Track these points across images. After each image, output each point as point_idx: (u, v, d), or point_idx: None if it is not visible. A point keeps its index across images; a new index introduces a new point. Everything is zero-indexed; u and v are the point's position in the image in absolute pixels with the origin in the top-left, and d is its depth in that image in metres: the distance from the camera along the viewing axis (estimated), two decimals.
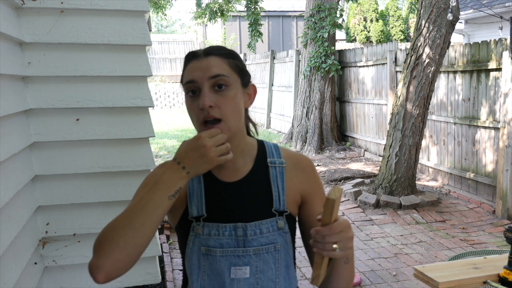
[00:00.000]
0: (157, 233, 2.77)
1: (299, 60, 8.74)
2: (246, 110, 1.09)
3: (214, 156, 0.92)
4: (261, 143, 1.12)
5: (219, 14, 10.01)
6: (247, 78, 1.07)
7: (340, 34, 16.96)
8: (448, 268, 1.99)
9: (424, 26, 4.63)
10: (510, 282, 1.81)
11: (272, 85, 10.30)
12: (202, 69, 0.98)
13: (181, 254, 1.08)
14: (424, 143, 5.70)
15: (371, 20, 17.22)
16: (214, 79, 0.97)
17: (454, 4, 4.48)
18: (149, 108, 2.34)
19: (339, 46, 14.48)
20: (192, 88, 0.99)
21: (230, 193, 1.05)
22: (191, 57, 1.02)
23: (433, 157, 5.73)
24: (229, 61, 1.02)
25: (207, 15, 10.01)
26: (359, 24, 17.26)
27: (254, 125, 1.16)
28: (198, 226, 1.02)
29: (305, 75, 7.83)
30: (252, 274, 1.00)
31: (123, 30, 2.20)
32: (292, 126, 8.30)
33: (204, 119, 0.97)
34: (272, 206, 1.04)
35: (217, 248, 1.01)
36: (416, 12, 6.42)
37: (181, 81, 1.04)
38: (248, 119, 1.13)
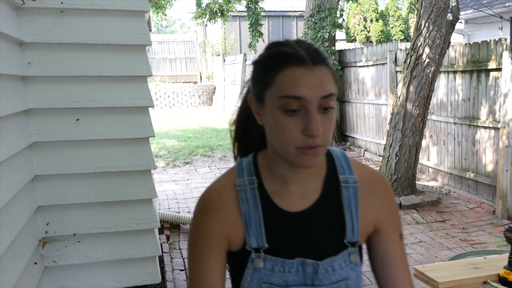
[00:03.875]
0: (157, 233, 2.76)
1: None
2: None
3: None
4: (328, 154, 0.93)
5: (219, 14, 10.01)
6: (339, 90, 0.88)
7: (340, 34, 16.95)
8: (448, 268, 1.99)
9: (424, 26, 4.63)
10: (510, 282, 1.81)
11: None
12: (314, 85, 0.77)
13: (232, 284, 0.95)
14: (424, 143, 5.69)
15: (371, 20, 17.22)
16: (325, 99, 0.78)
17: (454, 4, 4.48)
18: (149, 108, 2.35)
19: (339, 46, 14.48)
20: (293, 107, 0.78)
21: (296, 225, 0.88)
22: (293, 61, 0.79)
23: (433, 157, 5.73)
24: (332, 72, 0.82)
25: (207, 15, 10.00)
26: (359, 24, 17.26)
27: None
28: (259, 259, 0.87)
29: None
30: None
31: (123, 30, 2.20)
32: None
33: (307, 146, 0.79)
34: (345, 237, 0.88)
35: (281, 286, 0.86)
36: (416, 12, 6.42)
37: (263, 84, 0.82)
38: None
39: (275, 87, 0.79)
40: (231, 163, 7.08)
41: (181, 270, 3.26)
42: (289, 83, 0.78)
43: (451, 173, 5.38)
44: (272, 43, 0.85)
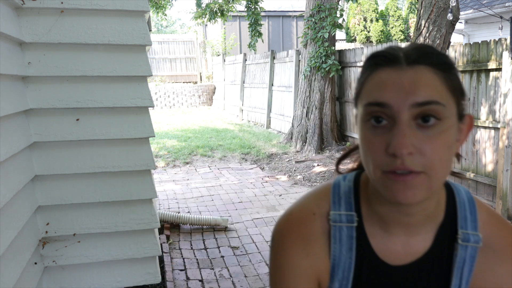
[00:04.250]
0: (157, 233, 2.77)
1: (299, 60, 8.74)
2: None
3: None
4: (451, 196, 0.74)
5: (219, 14, 10.01)
6: (464, 104, 0.67)
7: (340, 34, 16.96)
8: None
9: (424, 26, 4.63)
10: None
11: (272, 85, 10.30)
12: (404, 89, 0.61)
13: None
14: None
15: (371, 20, 17.22)
16: (421, 107, 0.60)
17: (454, 4, 4.48)
18: (149, 108, 2.34)
19: (339, 46, 14.49)
20: (378, 114, 0.62)
21: (391, 281, 0.72)
22: (382, 62, 0.64)
23: None
24: (446, 76, 0.63)
25: (207, 15, 10.01)
26: (359, 24, 17.26)
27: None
28: None
29: (305, 75, 7.82)
30: None
31: (123, 30, 2.20)
32: (292, 126, 8.30)
33: (392, 170, 0.60)
34: None
35: None
36: (416, 12, 6.42)
37: (357, 94, 0.68)
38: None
39: (363, 95, 0.65)
40: (231, 163, 7.05)
41: (181, 270, 3.26)
42: (373, 87, 0.63)
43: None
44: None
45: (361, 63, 7.24)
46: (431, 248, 0.71)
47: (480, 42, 4.80)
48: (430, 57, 0.63)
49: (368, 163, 0.64)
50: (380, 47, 6.87)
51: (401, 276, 0.71)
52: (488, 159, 4.79)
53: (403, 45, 0.68)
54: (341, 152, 7.32)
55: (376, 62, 0.65)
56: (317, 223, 0.73)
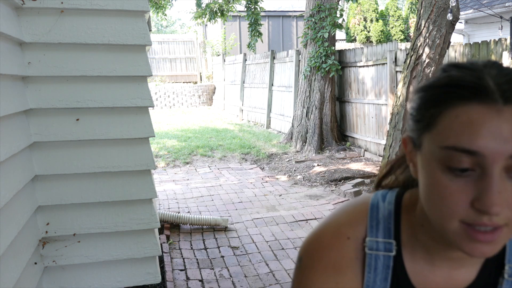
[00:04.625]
0: (157, 233, 2.77)
1: (299, 60, 8.74)
2: None
3: None
4: None
5: (219, 14, 10.02)
6: None
7: (340, 34, 16.96)
8: None
9: (424, 26, 4.63)
10: None
11: (272, 85, 10.30)
12: (503, 137, 0.50)
13: None
14: None
15: (371, 20, 17.23)
16: None
17: (454, 4, 4.48)
18: (149, 108, 2.35)
19: (339, 46, 14.49)
20: (464, 166, 0.52)
21: None
22: (470, 94, 0.52)
23: None
24: None
25: (207, 15, 10.02)
26: (359, 24, 17.27)
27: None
28: None
29: (305, 75, 7.82)
30: None
31: (123, 30, 2.20)
32: (292, 126, 8.30)
33: (476, 223, 0.52)
34: None
35: None
36: (416, 12, 6.43)
37: (424, 128, 0.57)
38: None
39: (438, 132, 0.54)
40: (231, 163, 7.05)
41: (181, 270, 3.26)
42: (460, 128, 0.52)
43: None
44: (450, 64, 0.57)
45: (361, 63, 7.27)
46: (474, 281, 0.65)
47: (480, 42, 4.79)
48: None
49: (440, 210, 0.55)
50: (380, 47, 6.85)
51: None
52: None
53: (491, 68, 0.54)
54: (341, 152, 7.33)
55: (459, 93, 0.53)
56: (351, 248, 0.66)
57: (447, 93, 0.54)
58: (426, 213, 0.59)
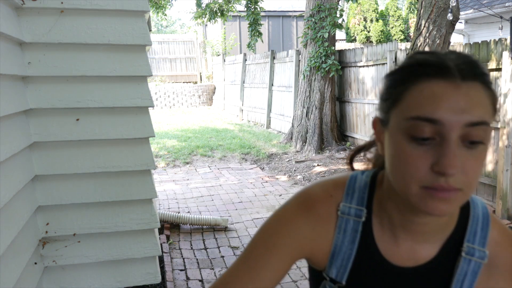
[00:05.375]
0: (157, 233, 2.77)
1: (299, 60, 8.74)
2: None
3: None
4: (465, 209, 0.73)
5: (219, 14, 10.01)
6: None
7: (340, 34, 16.96)
8: None
9: (424, 26, 4.63)
10: None
11: (272, 85, 10.30)
12: (460, 108, 0.58)
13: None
14: None
15: (371, 20, 17.22)
16: (472, 127, 0.59)
17: (454, 4, 4.48)
18: (149, 108, 2.35)
19: (339, 46, 14.49)
20: (425, 134, 0.60)
21: (387, 280, 0.73)
22: (434, 72, 0.60)
23: None
24: (493, 96, 0.62)
25: (207, 15, 10.02)
26: (359, 24, 17.26)
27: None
28: None
29: (305, 75, 7.82)
30: None
31: (123, 30, 2.20)
32: (292, 126, 8.30)
33: (434, 186, 0.60)
34: None
35: None
36: (416, 12, 6.42)
37: (391, 101, 0.65)
38: None
39: (404, 105, 0.62)
40: (231, 163, 7.06)
41: (181, 270, 3.26)
42: (423, 100, 0.59)
43: None
44: (415, 52, 0.66)
45: (362, 63, 7.26)
46: (435, 257, 0.72)
47: (480, 42, 4.79)
48: (482, 74, 0.61)
49: (403, 176, 0.62)
50: (380, 47, 6.86)
51: (400, 277, 0.72)
52: (488, 159, 4.79)
53: (450, 54, 0.63)
54: (341, 152, 7.33)
55: (426, 71, 0.61)
56: (331, 206, 0.74)
57: (413, 72, 0.62)
58: (392, 187, 0.67)
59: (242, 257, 0.75)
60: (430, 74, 0.60)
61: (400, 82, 0.63)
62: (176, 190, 5.48)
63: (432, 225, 0.69)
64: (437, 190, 0.60)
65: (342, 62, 7.88)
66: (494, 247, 0.71)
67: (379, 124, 0.69)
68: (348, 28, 17.44)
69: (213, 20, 10.11)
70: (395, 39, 16.72)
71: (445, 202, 0.60)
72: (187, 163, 7.01)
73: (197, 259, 3.45)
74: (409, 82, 0.62)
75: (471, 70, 0.60)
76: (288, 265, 0.74)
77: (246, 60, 12.15)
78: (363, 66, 7.28)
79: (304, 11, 8.16)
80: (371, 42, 17.06)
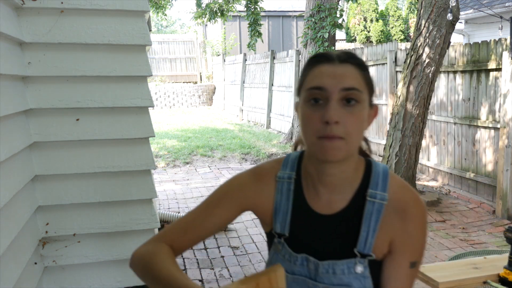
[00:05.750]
0: (157, 233, 2.76)
1: (299, 60, 8.74)
2: None
3: None
4: (368, 168, 0.96)
5: (219, 14, 10.01)
6: (373, 96, 0.94)
7: (340, 34, 16.95)
8: (448, 268, 1.99)
9: (424, 26, 4.63)
10: (510, 282, 1.81)
11: (272, 85, 10.30)
12: (336, 77, 0.85)
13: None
14: (424, 143, 5.69)
15: (371, 20, 17.22)
16: (346, 91, 0.85)
17: (454, 4, 4.48)
18: (149, 108, 2.35)
19: (339, 46, 14.48)
20: (316, 96, 0.86)
21: (316, 224, 0.94)
22: (322, 60, 0.89)
23: (433, 157, 5.73)
24: (364, 74, 0.89)
25: (207, 15, 10.01)
26: (359, 24, 17.26)
27: (368, 144, 1.05)
28: (279, 244, 0.97)
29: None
30: None
31: (123, 30, 2.20)
32: (292, 126, 8.30)
33: (324, 135, 0.84)
34: (356, 246, 0.91)
35: (288, 273, 0.95)
36: (416, 12, 6.42)
37: (300, 86, 0.92)
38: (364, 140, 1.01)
39: (306, 84, 0.90)
40: (231, 163, 7.08)
41: (181, 270, 3.26)
42: (314, 77, 0.88)
43: (451, 173, 5.37)
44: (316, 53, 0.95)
45: None
46: (348, 205, 0.93)
47: (480, 42, 4.79)
48: (354, 58, 0.89)
49: (307, 132, 0.87)
50: (380, 47, 6.88)
51: (324, 222, 0.94)
52: (488, 159, 4.78)
53: (337, 51, 0.92)
54: None
55: (317, 60, 0.90)
56: (272, 175, 0.99)
57: (310, 62, 0.91)
58: (309, 151, 0.93)
59: (200, 204, 1.01)
60: (320, 61, 0.89)
61: (304, 71, 0.92)
62: (176, 190, 5.48)
63: (339, 177, 0.92)
64: (326, 138, 0.84)
65: None
66: (393, 192, 0.92)
67: (296, 105, 0.94)
68: (348, 28, 17.44)
69: (213, 20, 10.11)
70: (395, 39, 16.71)
71: (333, 149, 0.84)
72: (187, 163, 7.00)
73: (197, 259, 3.45)
74: (308, 69, 0.90)
75: (347, 57, 0.88)
76: (235, 211, 0.99)
77: (246, 60, 12.15)
78: None
79: (304, 11, 8.16)
80: (371, 42, 17.06)
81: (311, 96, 0.87)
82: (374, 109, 0.94)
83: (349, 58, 0.89)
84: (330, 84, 0.85)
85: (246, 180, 0.99)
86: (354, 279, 0.91)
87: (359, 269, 0.91)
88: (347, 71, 0.86)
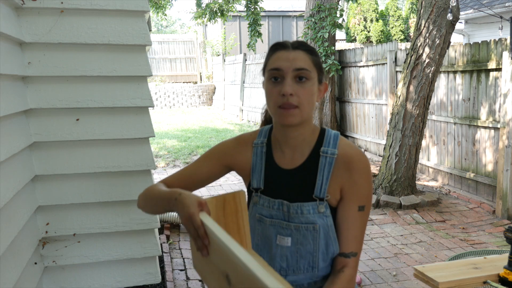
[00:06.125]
0: (157, 233, 2.77)
1: None
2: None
3: (190, 229, 0.96)
4: (322, 132, 1.20)
5: (219, 14, 10.00)
6: (322, 76, 1.18)
7: (340, 34, 16.95)
8: (448, 268, 1.99)
9: (424, 26, 4.63)
10: (510, 282, 1.81)
11: None
12: (289, 60, 1.10)
13: None
14: (424, 143, 5.69)
15: (371, 20, 17.21)
16: (298, 71, 1.10)
17: (454, 4, 4.48)
18: (149, 108, 2.35)
19: (339, 46, 14.48)
20: (275, 75, 1.12)
21: (283, 177, 1.19)
22: (279, 47, 1.15)
23: (433, 157, 5.73)
24: (313, 57, 1.14)
25: (207, 15, 10.00)
26: (359, 24, 17.25)
27: (321, 117, 1.27)
28: (257, 197, 1.22)
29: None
30: (293, 244, 1.16)
31: (123, 30, 2.20)
32: None
33: (282, 105, 1.10)
34: (313, 192, 1.15)
35: (267, 217, 1.19)
36: (416, 12, 6.42)
37: (264, 67, 1.18)
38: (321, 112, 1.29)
39: (268, 66, 1.15)
40: None
41: (181, 270, 3.26)
42: (273, 60, 1.14)
43: (451, 173, 5.37)
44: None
45: (362, 63, 7.26)
46: (306, 160, 1.18)
47: (480, 42, 4.79)
48: (304, 46, 1.15)
49: (269, 103, 1.14)
50: (380, 47, 6.88)
51: (289, 175, 1.19)
52: (488, 159, 4.78)
53: (292, 41, 1.18)
54: None
55: (276, 47, 1.16)
56: (250, 143, 1.26)
57: (272, 49, 1.17)
58: (276, 121, 1.18)
59: (193, 161, 1.28)
60: (277, 48, 1.15)
61: (266, 56, 1.18)
62: None
63: (299, 139, 1.17)
64: (283, 107, 1.10)
65: (342, 62, 7.88)
66: (343, 148, 1.16)
67: (262, 83, 1.19)
68: (348, 28, 17.43)
69: (213, 20, 10.10)
70: (395, 39, 16.71)
71: (290, 115, 1.10)
72: (187, 163, 7.00)
73: None
74: (269, 54, 1.17)
75: (298, 44, 1.15)
76: (220, 168, 1.27)
77: (246, 60, 12.15)
78: (363, 66, 7.28)
79: (304, 11, 8.15)
80: (371, 42, 17.05)
81: (271, 76, 1.12)
82: (323, 85, 1.19)
83: (300, 45, 1.14)
84: (285, 66, 1.10)
85: (230, 144, 1.27)
86: (318, 218, 1.14)
87: (322, 209, 1.14)
88: (298, 55, 1.12)
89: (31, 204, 2.14)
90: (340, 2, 7.75)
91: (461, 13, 7.55)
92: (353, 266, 1.16)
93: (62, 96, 2.18)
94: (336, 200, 1.16)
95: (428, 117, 5.22)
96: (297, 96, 1.09)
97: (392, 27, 17.29)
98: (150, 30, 3.51)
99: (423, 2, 4.66)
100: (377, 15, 17.28)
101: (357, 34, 17.31)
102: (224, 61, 14.16)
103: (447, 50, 4.86)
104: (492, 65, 4.57)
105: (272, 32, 17.67)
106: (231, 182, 5.77)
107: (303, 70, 1.10)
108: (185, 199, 0.98)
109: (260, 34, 9.91)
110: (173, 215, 4.02)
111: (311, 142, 1.18)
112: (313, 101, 1.13)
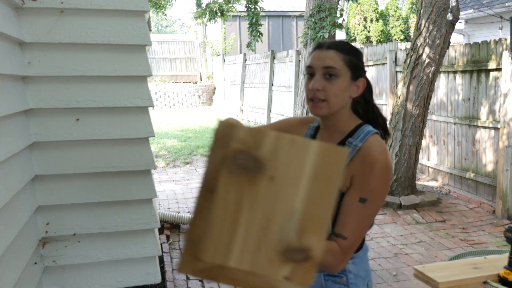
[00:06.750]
0: (157, 233, 2.77)
1: (299, 60, 8.74)
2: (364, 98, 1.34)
3: None
4: (358, 127, 1.28)
5: (219, 14, 10.00)
6: (359, 73, 1.26)
7: (340, 34, 16.94)
8: (448, 268, 1.99)
9: (424, 26, 4.63)
10: (510, 282, 1.81)
11: (272, 85, 10.29)
12: (320, 59, 1.23)
13: None
14: (424, 143, 5.69)
15: (371, 20, 17.22)
16: (326, 69, 1.21)
17: (454, 4, 4.48)
18: (149, 108, 2.35)
19: None
20: (309, 72, 1.25)
21: None
22: (317, 47, 1.28)
23: (433, 157, 5.73)
24: (345, 56, 1.23)
25: (207, 15, 9.99)
26: (359, 24, 17.25)
27: (384, 122, 1.38)
28: None
29: (305, 75, 7.82)
30: None
31: (123, 30, 2.20)
32: None
33: (312, 98, 1.23)
34: None
35: None
36: (416, 12, 6.42)
37: (305, 64, 1.37)
38: (374, 107, 1.37)
39: (306, 63, 1.28)
40: None
41: None
42: (310, 59, 1.26)
43: (451, 173, 5.37)
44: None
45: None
46: (339, 142, 1.28)
47: (480, 42, 4.79)
48: (338, 46, 1.25)
49: (307, 94, 1.26)
50: (380, 47, 6.88)
51: None
52: (488, 159, 4.78)
53: (328, 41, 1.30)
54: None
55: (315, 47, 1.28)
56: (307, 124, 1.43)
57: (313, 48, 1.29)
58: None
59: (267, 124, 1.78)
60: (315, 48, 1.27)
61: (309, 55, 1.29)
62: (176, 190, 5.47)
63: (331, 128, 1.30)
64: (313, 100, 1.24)
65: None
66: (369, 144, 1.22)
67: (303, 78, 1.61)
68: (348, 28, 17.43)
69: (213, 20, 10.09)
70: (395, 39, 16.71)
71: (317, 108, 1.23)
72: (187, 163, 7.00)
73: None
74: (310, 53, 1.28)
75: (332, 44, 1.25)
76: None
77: (246, 60, 12.15)
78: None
79: (304, 11, 8.15)
80: (371, 42, 17.05)
81: (307, 72, 1.27)
82: (360, 82, 1.27)
83: (334, 45, 1.25)
84: (316, 64, 1.23)
85: (295, 120, 1.47)
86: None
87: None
88: (329, 55, 1.22)
89: (31, 204, 2.14)
90: (340, 2, 7.75)
91: (461, 13, 7.55)
92: (338, 247, 1.16)
93: (62, 96, 2.18)
94: (346, 187, 1.21)
95: (428, 117, 5.22)
96: (325, 91, 1.21)
97: (392, 27, 17.29)
98: (150, 30, 3.51)
99: (423, 2, 4.66)
100: (377, 15, 17.29)
101: (357, 34, 17.31)
102: (224, 61, 14.17)
103: (447, 50, 4.86)
104: (492, 65, 4.57)
105: (272, 32, 17.67)
106: None
107: (331, 68, 1.20)
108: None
109: (260, 34, 9.91)
110: (173, 215, 4.02)
111: (344, 133, 1.28)
112: (342, 96, 1.23)
